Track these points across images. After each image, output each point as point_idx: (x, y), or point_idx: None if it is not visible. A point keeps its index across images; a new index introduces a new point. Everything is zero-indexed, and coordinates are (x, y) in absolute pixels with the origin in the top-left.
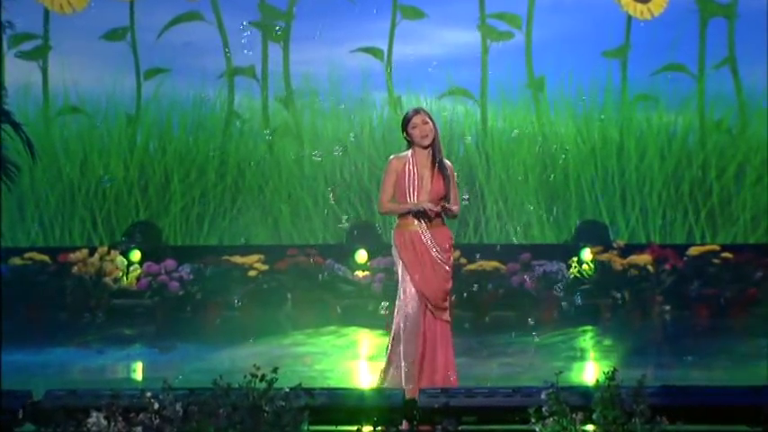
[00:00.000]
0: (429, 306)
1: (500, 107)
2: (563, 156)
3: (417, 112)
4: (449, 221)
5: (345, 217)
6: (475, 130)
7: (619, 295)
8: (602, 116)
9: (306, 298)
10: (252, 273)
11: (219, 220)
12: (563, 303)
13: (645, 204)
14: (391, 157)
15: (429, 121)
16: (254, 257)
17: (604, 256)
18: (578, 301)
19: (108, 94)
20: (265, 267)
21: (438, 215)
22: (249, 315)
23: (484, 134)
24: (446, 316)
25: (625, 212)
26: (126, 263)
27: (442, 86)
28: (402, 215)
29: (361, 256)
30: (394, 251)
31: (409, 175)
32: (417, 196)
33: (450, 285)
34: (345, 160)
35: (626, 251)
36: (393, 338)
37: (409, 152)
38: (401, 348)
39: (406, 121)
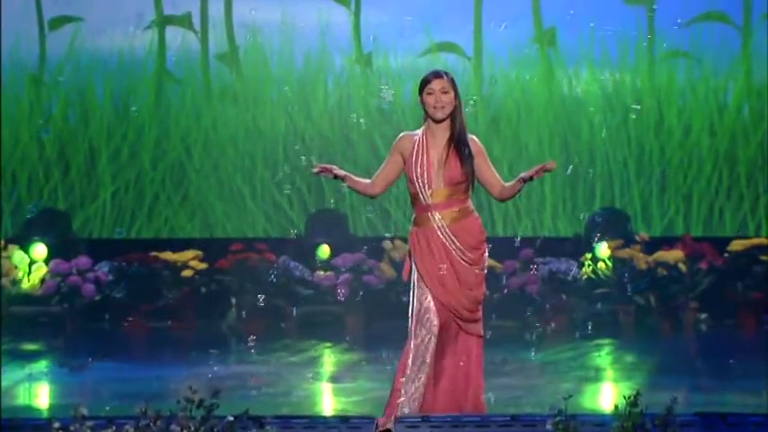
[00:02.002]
0: (457, 320)
1: (499, 67)
2: (589, 125)
3: (439, 75)
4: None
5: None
6: (466, 96)
7: (643, 300)
8: (637, 79)
9: (254, 304)
10: (187, 273)
11: (162, 207)
12: (573, 310)
13: (690, 191)
14: (402, 133)
15: (451, 89)
16: (190, 254)
17: (625, 252)
18: (593, 307)
19: (10, 48)
20: (204, 266)
21: (458, 199)
22: (183, 325)
23: (478, 100)
24: (478, 329)
25: (663, 200)
26: (27, 260)
27: (423, 41)
28: (417, 209)
29: (324, 252)
30: (408, 254)
31: (417, 156)
32: (428, 184)
33: (481, 291)
34: (291, 135)
35: (652, 246)
36: (403, 363)
37: (422, 128)
38: (411, 374)
39: (422, 85)
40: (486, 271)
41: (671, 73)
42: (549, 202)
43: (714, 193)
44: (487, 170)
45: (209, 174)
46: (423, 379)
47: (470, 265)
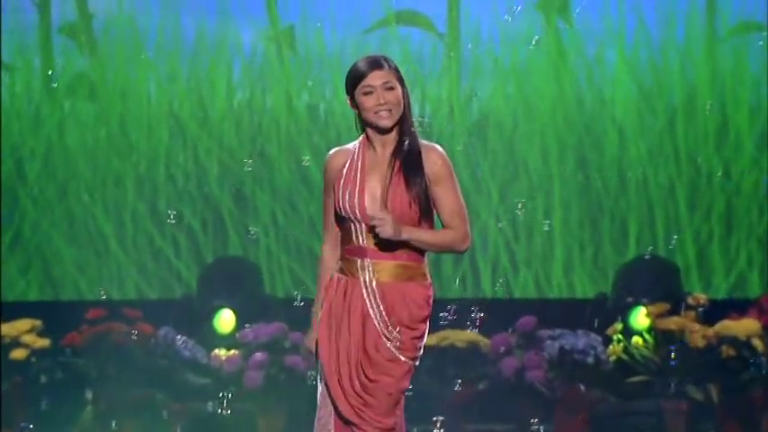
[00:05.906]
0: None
1: (485, 46)
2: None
3: (377, 65)
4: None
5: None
6: (437, 90)
7: (700, 394)
8: (688, 64)
9: (120, 401)
10: (18, 353)
11: None
12: (597, 408)
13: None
14: (332, 151)
15: (397, 84)
16: (24, 325)
17: (673, 323)
18: (627, 404)
19: None
20: (45, 343)
21: (405, 250)
22: None
23: (456, 96)
24: None
25: (727, 244)
26: None
27: (377, 10)
28: (347, 250)
29: (226, 321)
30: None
31: (348, 179)
32: (362, 217)
33: (403, 387)
34: (177, 147)
35: (712, 313)
36: None
37: (359, 140)
38: None
39: (354, 80)
40: (416, 363)
41: (739, 54)
42: (558, 246)
43: None
44: (449, 202)
45: (52, 203)
46: None
47: (393, 345)
